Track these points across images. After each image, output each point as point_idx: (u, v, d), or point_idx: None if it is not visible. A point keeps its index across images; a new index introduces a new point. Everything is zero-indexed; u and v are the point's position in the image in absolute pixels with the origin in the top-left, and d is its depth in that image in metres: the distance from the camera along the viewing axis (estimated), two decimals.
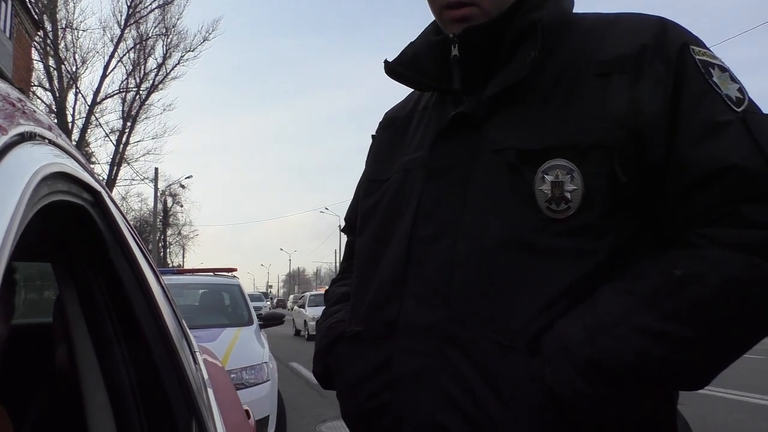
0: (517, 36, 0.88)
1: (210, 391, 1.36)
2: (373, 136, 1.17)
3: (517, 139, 0.84)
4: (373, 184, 1.05)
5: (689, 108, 0.79)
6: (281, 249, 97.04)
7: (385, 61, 1.02)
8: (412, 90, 1.11)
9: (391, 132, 1.09)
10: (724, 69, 0.83)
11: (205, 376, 1.45)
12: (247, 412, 1.87)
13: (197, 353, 1.50)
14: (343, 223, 1.25)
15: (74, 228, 0.76)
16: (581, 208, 0.79)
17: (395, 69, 1.01)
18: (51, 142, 0.60)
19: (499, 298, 0.81)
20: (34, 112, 0.61)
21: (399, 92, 1.19)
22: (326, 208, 45.55)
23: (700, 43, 0.84)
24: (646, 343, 0.74)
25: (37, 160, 0.51)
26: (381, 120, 1.16)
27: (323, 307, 1.18)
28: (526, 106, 0.86)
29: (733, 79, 0.82)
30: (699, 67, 0.81)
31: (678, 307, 0.74)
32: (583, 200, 0.79)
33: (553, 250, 0.80)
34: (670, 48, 0.82)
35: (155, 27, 24.64)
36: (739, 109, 0.78)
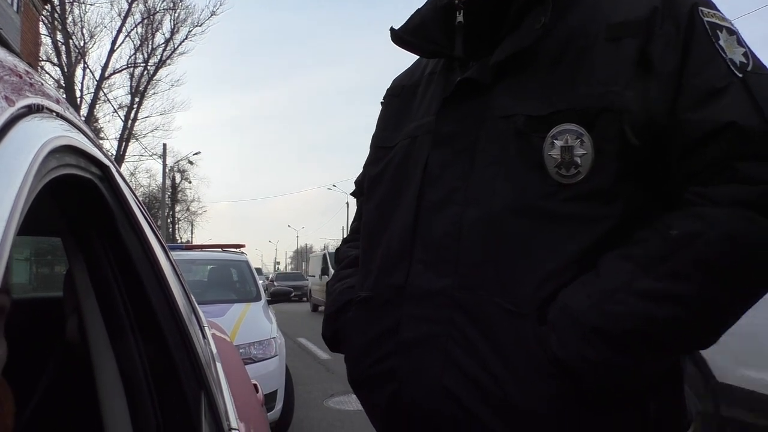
0: (525, 1, 0.87)
1: (219, 365, 1.38)
2: (381, 103, 1.16)
3: (526, 105, 0.84)
4: (380, 150, 1.05)
5: (694, 72, 0.78)
6: (289, 226, 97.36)
7: (392, 29, 1.02)
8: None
9: (399, 99, 1.09)
10: (732, 32, 0.81)
11: (214, 351, 1.46)
12: (255, 386, 1.89)
13: (206, 328, 1.51)
14: (350, 200, 1.26)
15: (83, 202, 0.76)
16: (591, 173, 0.79)
17: (402, 36, 1.00)
18: (59, 116, 0.60)
19: (507, 264, 0.81)
20: (42, 84, 0.61)
21: (408, 66, 1.17)
22: (334, 185, 45.74)
23: (709, 4, 0.83)
24: (649, 305, 0.74)
25: (45, 132, 0.50)
26: (389, 87, 1.15)
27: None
28: (535, 72, 0.85)
29: (740, 43, 0.81)
30: (707, 29, 0.80)
31: (677, 267, 0.74)
32: (593, 165, 0.79)
33: (563, 216, 0.80)
34: (680, 9, 0.81)
35: (163, 1, 24.50)
36: (740, 75, 0.78)
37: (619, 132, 0.78)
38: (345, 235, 1.30)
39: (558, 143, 0.80)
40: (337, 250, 1.23)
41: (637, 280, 0.75)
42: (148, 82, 25.09)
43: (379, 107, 1.17)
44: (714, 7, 0.84)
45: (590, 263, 0.79)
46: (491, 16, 0.89)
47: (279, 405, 4.31)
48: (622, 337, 0.75)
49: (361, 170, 1.21)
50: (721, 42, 0.79)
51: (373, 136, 1.11)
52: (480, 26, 0.91)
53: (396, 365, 0.89)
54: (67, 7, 22.03)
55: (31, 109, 0.50)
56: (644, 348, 0.76)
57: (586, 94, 0.80)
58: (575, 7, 0.88)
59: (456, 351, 0.83)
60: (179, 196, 35.79)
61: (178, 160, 31.98)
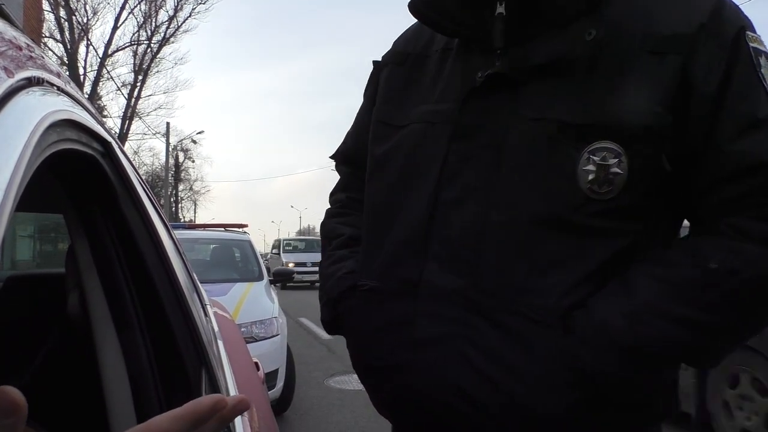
0: (575, 10, 0.83)
1: (220, 343, 1.38)
2: (376, 62, 1.09)
3: (559, 110, 0.81)
4: (386, 128, 0.99)
5: (735, 99, 0.77)
6: (292, 206, 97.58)
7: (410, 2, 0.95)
8: None
9: (405, 69, 1.02)
10: None
11: (216, 329, 1.47)
12: (256, 364, 1.90)
13: (208, 306, 1.52)
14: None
15: (85, 178, 0.76)
16: (623, 190, 0.79)
17: (420, 9, 0.95)
18: (60, 90, 0.59)
19: (532, 273, 0.81)
20: (42, 58, 0.60)
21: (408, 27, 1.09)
22: None
23: (752, 27, 0.81)
24: (684, 333, 0.77)
25: (45, 105, 0.50)
26: (390, 51, 1.08)
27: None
28: (570, 75, 0.82)
29: None
30: (751, 56, 0.78)
31: (714, 300, 0.77)
32: (626, 184, 0.79)
33: (589, 229, 0.80)
34: (726, 31, 0.78)
35: None
36: None
37: (656, 154, 0.79)
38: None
39: (595, 159, 0.79)
40: (323, 224, 1.17)
41: (677, 307, 0.78)
42: (152, 61, 24.93)
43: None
44: (755, 29, 0.81)
45: (610, 273, 0.81)
46: (532, 8, 0.85)
47: (280, 383, 4.35)
48: (657, 358, 0.79)
49: (349, 130, 1.16)
50: (763, 70, 0.78)
51: (376, 109, 1.04)
52: (518, 17, 0.86)
53: (409, 360, 0.88)
54: None
55: (31, 82, 0.49)
56: (670, 367, 0.84)
57: (628, 111, 0.78)
58: (610, 6, 0.84)
59: (473, 352, 0.83)
60: (182, 175, 35.82)
61: (182, 139, 31.90)
